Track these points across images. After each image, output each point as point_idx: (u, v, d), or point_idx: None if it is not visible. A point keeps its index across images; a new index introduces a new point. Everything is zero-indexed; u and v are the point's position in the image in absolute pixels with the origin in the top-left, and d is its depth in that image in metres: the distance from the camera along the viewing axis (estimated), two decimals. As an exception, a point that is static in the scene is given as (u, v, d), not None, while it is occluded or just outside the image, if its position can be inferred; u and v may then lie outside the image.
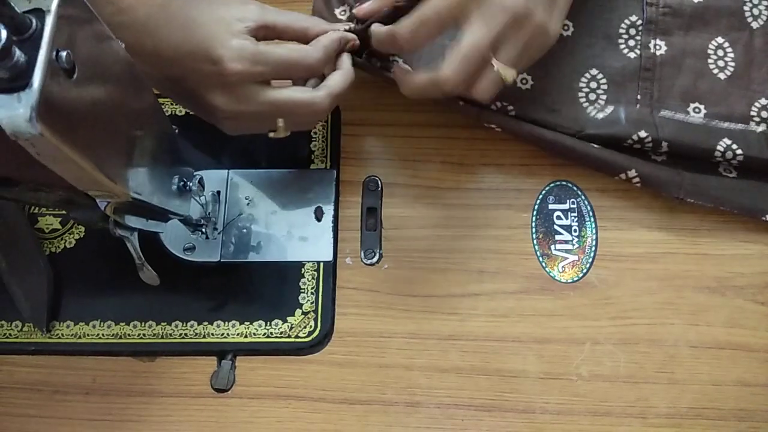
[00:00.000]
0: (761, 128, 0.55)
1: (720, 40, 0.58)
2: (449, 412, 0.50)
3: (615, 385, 0.50)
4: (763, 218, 0.54)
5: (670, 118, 0.55)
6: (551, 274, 0.54)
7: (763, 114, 0.56)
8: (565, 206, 0.55)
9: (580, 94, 0.56)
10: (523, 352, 0.51)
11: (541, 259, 0.54)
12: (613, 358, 0.51)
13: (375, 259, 0.54)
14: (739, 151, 0.53)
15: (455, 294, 0.53)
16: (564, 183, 0.56)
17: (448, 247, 0.54)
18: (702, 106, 0.56)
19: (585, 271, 0.53)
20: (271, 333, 0.52)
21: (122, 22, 0.41)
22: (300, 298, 0.53)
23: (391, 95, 0.58)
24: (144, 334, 0.52)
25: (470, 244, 0.55)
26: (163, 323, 0.53)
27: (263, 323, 0.52)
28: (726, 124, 0.55)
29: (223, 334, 0.52)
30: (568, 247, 0.54)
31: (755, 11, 0.59)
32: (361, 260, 0.54)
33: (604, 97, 0.56)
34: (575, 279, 0.53)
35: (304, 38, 0.49)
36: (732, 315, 0.52)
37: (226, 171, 0.57)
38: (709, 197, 0.54)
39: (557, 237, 0.55)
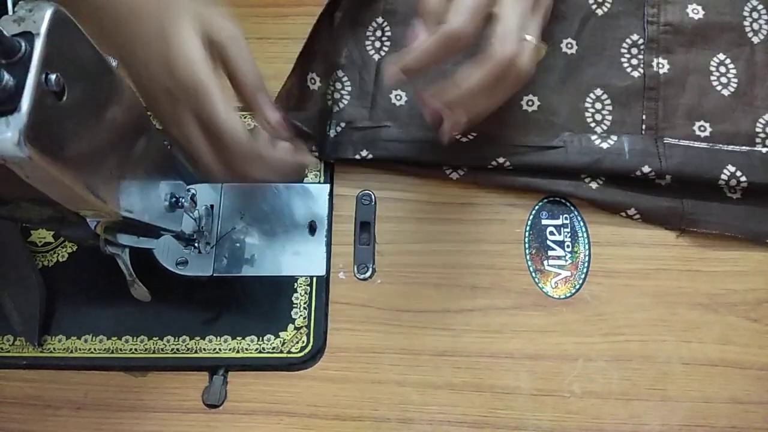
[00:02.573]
0: (766, 150, 0.55)
1: (722, 56, 0.58)
2: (442, 429, 0.50)
3: (607, 402, 0.50)
4: (767, 241, 0.54)
5: (675, 144, 0.55)
6: (544, 289, 0.53)
7: None
8: (558, 222, 0.55)
9: (587, 114, 0.57)
10: (515, 368, 0.51)
11: (534, 274, 0.54)
12: (605, 374, 0.51)
13: (368, 274, 0.54)
14: (743, 179, 0.53)
15: (448, 309, 0.53)
16: (557, 199, 0.56)
17: (441, 263, 0.54)
18: (707, 124, 0.56)
19: (578, 287, 0.53)
20: (263, 348, 0.52)
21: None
22: (292, 312, 0.53)
23: (385, 110, 0.59)
24: (136, 349, 0.52)
25: (463, 259, 0.54)
26: (155, 338, 0.52)
27: (255, 338, 0.52)
28: (730, 147, 0.55)
29: (215, 349, 0.52)
30: (561, 262, 0.54)
31: (755, 26, 0.59)
32: (354, 275, 0.54)
33: (609, 118, 0.57)
34: (568, 295, 0.53)
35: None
36: (724, 332, 0.52)
37: (220, 185, 0.56)
38: (712, 224, 0.54)
39: (550, 252, 0.55)
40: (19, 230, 0.55)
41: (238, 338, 0.52)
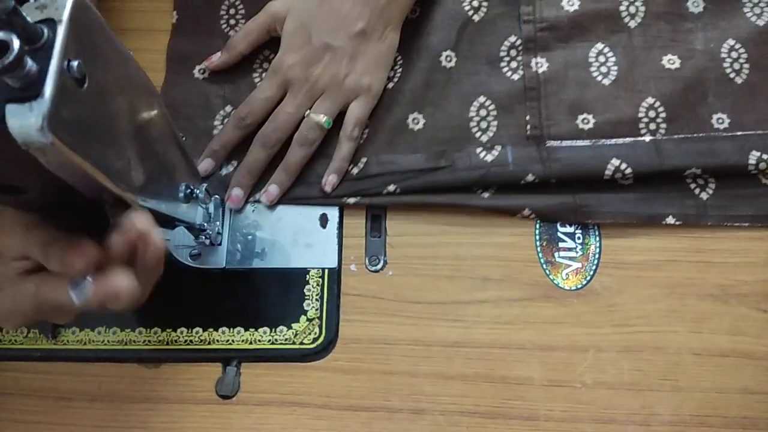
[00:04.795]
0: (648, 138, 0.55)
1: (600, 45, 0.58)
2: (454, 419, 0.50)
3: (619, 392, 0.51)
4: (663, 222, 0.54)
5: (558, 146, 0.55)
6: (555, 281, 0.54)
7: (651, 114, 0.56)
8: (569, 214, 0.56)
9: (472, 124, 0.57)
10: (527, 359, 0.52)
11: (545, 266, 0.54)
12: (616, 365, 0.51)
13: (379, 266, 0.55)
14: (628, 171, 0.53)
15: (460, 301, 0.53)
16: (568, 191, 0.56)
17: (452, 254, 0.55)
18: (590, 116, 0.56)
19: (588, 278, 0.54)
20: (276, 339, 0.52)
21: None
22: (305, 304, 0.53)
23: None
24: (149, 341, 0.52)
25: (474, 251, 0.55)
26: (168, 330, 0.53)
27: (268, 330, 0.53)
28: (614, 141, 0.55)
29: (228, 341, 0.52)
30: (572, 254, 0.54)
31: (632, 9, 0.59)
32: (366, 267, 0.55)
33: (495, 124, 0.57)
34: (579, 286, 0.53)
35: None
36: (735, 323, 0.52)
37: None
38: (606, 213, 0.54)
39: (561, 244, 0.55)
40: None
41: (251, 330, 0.53)
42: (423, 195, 0.55)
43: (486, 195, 0.55)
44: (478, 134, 0.56)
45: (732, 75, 0.57)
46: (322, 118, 0.54)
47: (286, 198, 0.56)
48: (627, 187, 0.55)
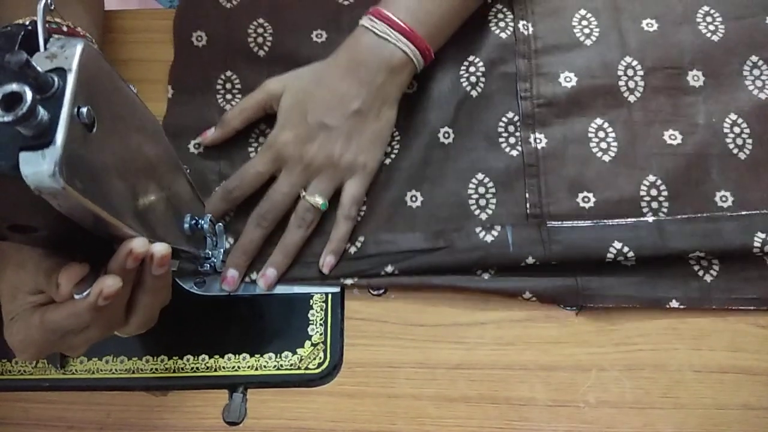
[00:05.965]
0: (652, 218, 0.54)
1: (599, 121, 0.57)
2: (459, 441, 0.51)
3: (621, 411, 0.51)
4: (668, 305, 0.53)
5: (559, 227, 0.54)
6: (556, 301, 0.54)
7: (653, 192, 0.55)
8: (568, 234, 0.56)
9: (471, 201, 0.56)
10: (530, 379, 0.52)
11: (545, 287, 0.55)
12: (618, 384, 0.52)
13: (382, 290, 0.55)
14: (630, 254, 0.53)
15: (462, 323, 0.54)
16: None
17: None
18: (591, 195, 0.55)
19: (589, 298, 0.54)
20: (282, 365, 0.53)
21: None
22: (309, 329, 0.54)
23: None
24: (156, 369, 0.53)
25: (475, 273, 0.55)
26: (175, 357, 0.53)
27: (273, 355, 0.53)
28: (616, 221, 0.54)
29: (234, 367, 0.53)
30: (572, 274, 0.55)
31: (630, 84, 0.58)
32: (369, 291, 0.55)
33: (493, 202, 0.56)
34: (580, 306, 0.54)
35: None
36: (734, 339, 0.53)
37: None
38: (609, 297, 0.53)
39: (561, 265, 0.55)
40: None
41: (257, 356, 0.53)
42: (421, 276, 0.54)
43: (486, 276, 0.54)
44: (477, 212, 0.56)
45: (735, 150, 0.56)
46: (318, 201, 0.54)
47: (284, 279, 0.55)
48: (630, 269, 0.54)
